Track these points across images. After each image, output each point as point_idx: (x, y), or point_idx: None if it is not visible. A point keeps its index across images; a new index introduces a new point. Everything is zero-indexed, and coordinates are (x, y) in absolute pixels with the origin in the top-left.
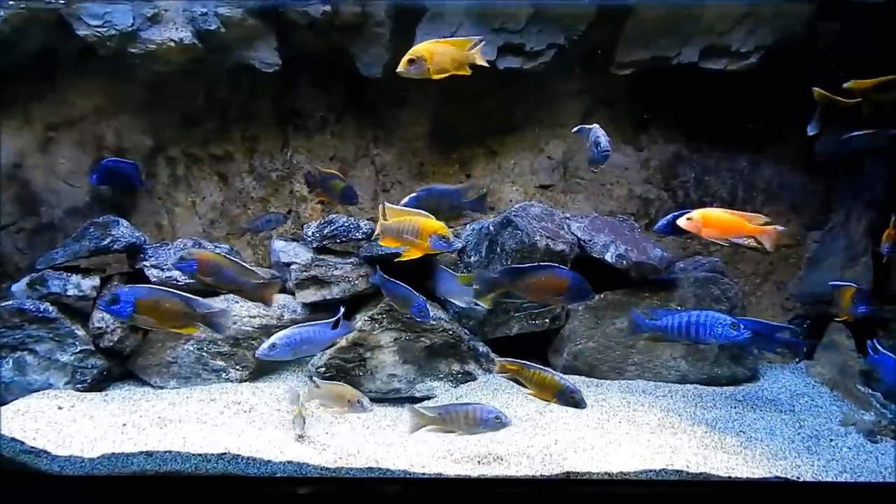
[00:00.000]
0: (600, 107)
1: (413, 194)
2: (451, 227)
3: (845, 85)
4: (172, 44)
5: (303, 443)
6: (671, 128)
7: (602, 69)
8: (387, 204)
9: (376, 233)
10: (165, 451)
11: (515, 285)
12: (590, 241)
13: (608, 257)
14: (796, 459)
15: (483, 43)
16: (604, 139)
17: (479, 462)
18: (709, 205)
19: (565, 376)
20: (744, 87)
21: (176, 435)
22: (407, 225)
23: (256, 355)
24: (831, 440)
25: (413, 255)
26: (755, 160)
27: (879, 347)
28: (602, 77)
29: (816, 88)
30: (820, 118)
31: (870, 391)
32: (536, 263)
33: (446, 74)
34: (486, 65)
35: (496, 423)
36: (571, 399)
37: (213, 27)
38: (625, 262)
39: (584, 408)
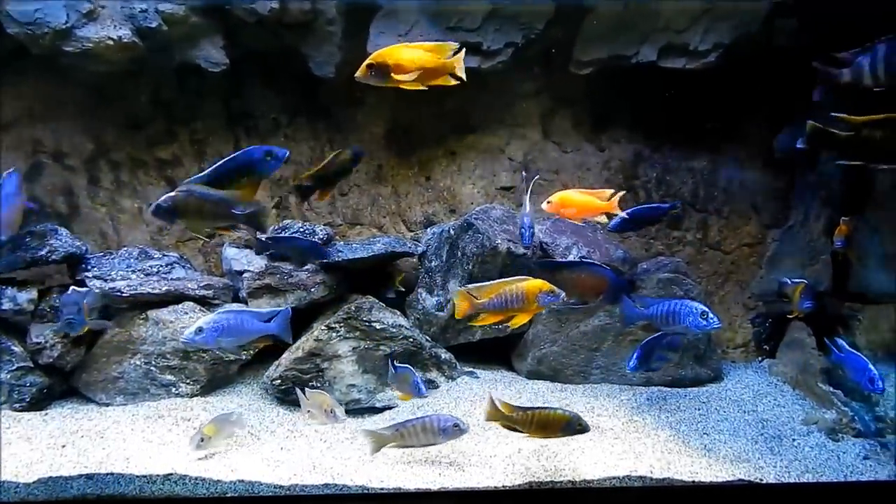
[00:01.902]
0: (559, 106)
1: (169, 194)
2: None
3: (836, 115)
4: (111, 42)
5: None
6: (632, 127)
7: (561, 68)
8: (469, 287)
9: (465, 313)
10: (107, 474)
11: (553, 279)
12: (552, 243)
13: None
14: (759, 461)
15: (463, 51)
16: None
17: (440, 474)
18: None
19: (564, 408)
20: (703, 86)
21: (119, 455)
22: (510, 295)
23: (182, 341)
24: (794, 440)
25: (522, 320)
26: (715, 159)
27: (841, 345)
28: (561, 76)
29: (810, 122)
30: (808, 142)
31: (831, 389)
32: (577, 260)
33: (417, 87)
34: (463, 78)
35: (455, 430)
36: (578, 427)
37: (153, 25)
38: None
39: (589, 430)
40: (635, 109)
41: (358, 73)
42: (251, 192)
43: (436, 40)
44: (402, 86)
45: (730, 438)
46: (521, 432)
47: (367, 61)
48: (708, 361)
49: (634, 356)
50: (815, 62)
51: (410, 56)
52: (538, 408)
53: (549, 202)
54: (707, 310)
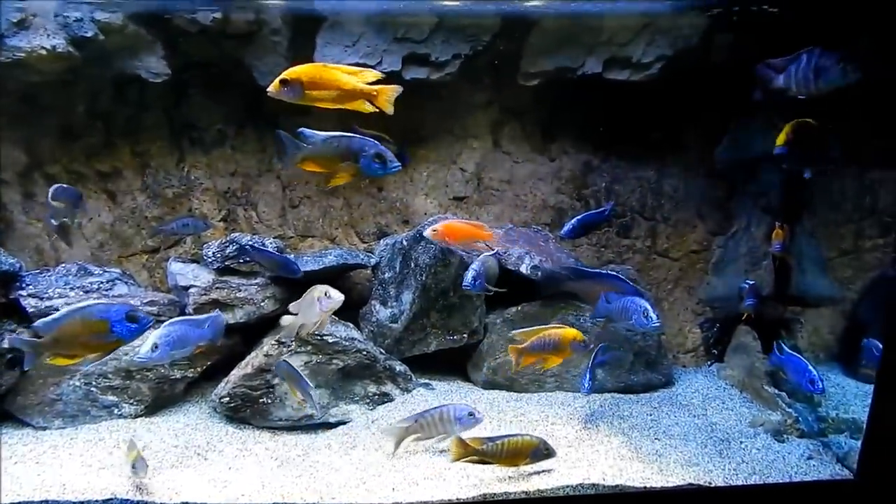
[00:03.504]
0: (508, 117)
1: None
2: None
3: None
4: (44, 52)
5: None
6: (580, 138)
7: (510, 80)
8: (514, 332)
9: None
10: (41, 501)
11: (577, 286)
12: (504, 253)
13: (523, 269)
14: (708, 464)
15: (399, 89)
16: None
17: (393, 489)
18: (621, 213)
19: (529, 434)
20: (648, 98)
21: (55, 481)
22: (548, 340)
23: (137, 361)
24: (741, 442)
25: (554, 363)
26: (661, 169)
27: (784, 347)
28: (510, 88)
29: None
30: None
31: (776, 392)
32: (604, 270)
33: (333, 106)
34: (389, 112)
35: (470, 419)
36: (545, 452)
37: (89, 34)
38: (539, 272)
39: (555, 455)
40: (583, 120)
41: (270, 89)
42: (342, 179)
43: (383, 51)
44: (316, 104)
45: (680, 443)
46: (491, 464)
47: (280, 77)
48: (659, 367)
49: (587, 379)
50: (755, 66)
51: (326, 76)
52: (505, 436)
53: (434, 230)
54: (649, 308)
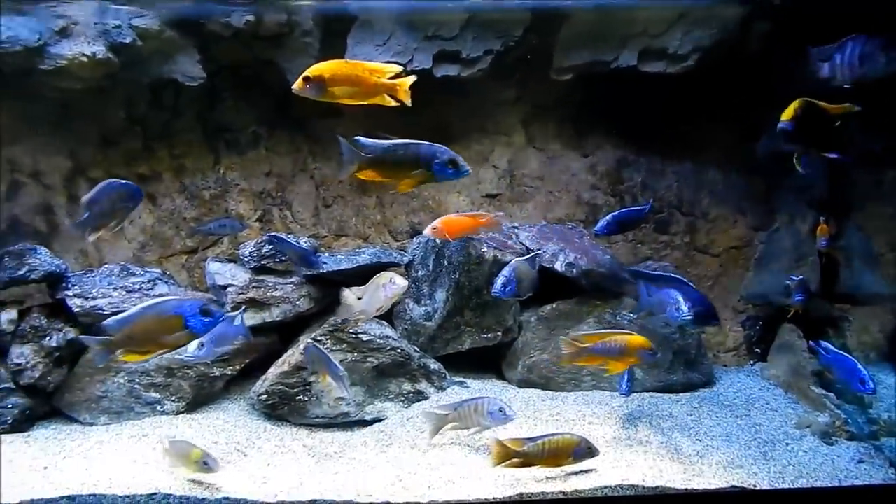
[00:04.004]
0: (540, 113)
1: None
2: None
3: None
4: (84, 58)
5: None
6: (614, 132)
7: (541, 75)
8: (575, 335)
9: (570, 359)
10: (89, 495)
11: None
12: (539, 250)
13: (557, 266)
14: (753, 466)
15: (413, 79)
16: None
17: (429, 487)
18: (658, 208)
19: (569, 433)
20: (684, 89)
21: (101, 476)
22: (612, 344)
23: (186, 358)
24: (787, 444)
25: (618, 369)
26: (700, 162)
27: (830, 347)
28: (542, 83)
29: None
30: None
31: (824, 392)
32: (668, 274)
33: (355, 102)
34: (408, 103)
35: (500, 414)
36: (588, 451)
37: (128, 40)
38: (574, 270)
39: (598, 454)
40: (617, 114)
41: (295, 86)
42: (410, 185)
43: (413, 49)
44: (339, 101)
45: (722, 444)
46: (534, 465)
47: (303, 74)
48: (699, 366)
49: (625, 380)
50: (800, 55)
51: (347, 72)
52: (545, 436)
53: (433, 227)
54: (681, 301)
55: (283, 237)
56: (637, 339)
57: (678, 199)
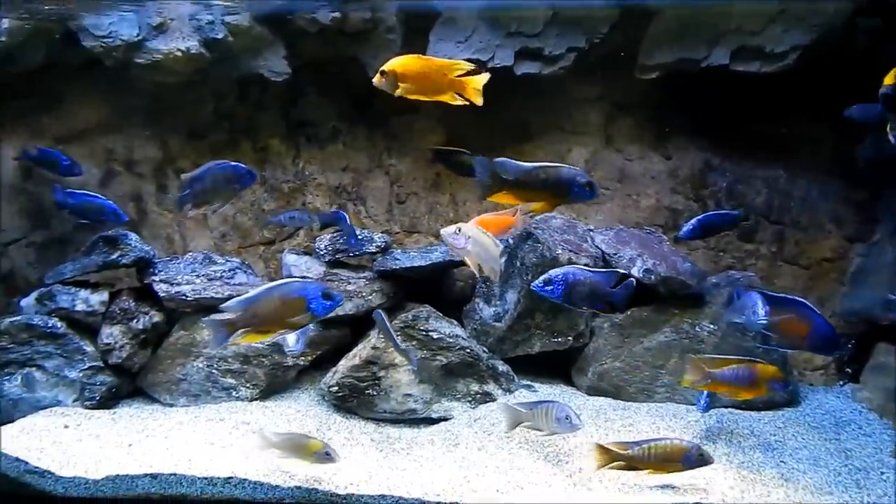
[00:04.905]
0: (621, 113)
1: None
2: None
3: None
4: (179, 53)
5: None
6: (700, 134)
7: (624, 73)
8: (702, 357)
9: (693, 382)
10: (171, 474)
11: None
12: (615, 254)
13: (635, 272)
14: (844, 494)
15: (486, 78)
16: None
17: (498, 490)
18: (744, 215)
19: (679, 438)
20: (777, 89)
21: (182, 456)
22: (741, 371)
23: (289, 351)
24: (882, 473)
25: (747, 396)
26: (792, 167)
27: None
28: (624, 81)
29: None
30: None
31: None
32: (787, 295)
33: (424, 98)
34: (478, 103)
35: (566, 423)
36: (700, 458)
37: (220, 36)
38: (653, 276)
39: (712, 462)
40: (704, 115)
41: (375, 79)
42: (546, 208)
43: (495, 46)
44: (408, 96)
45: (809, 468)
46: (640, 470)
47: (380, 68)
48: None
49: (704, 395)
50: None
51: (418, 67)
52: (651, 440)
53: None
54: (758, 304)
55: (344, 215)
56: (768, 369)
57: (766, 205)
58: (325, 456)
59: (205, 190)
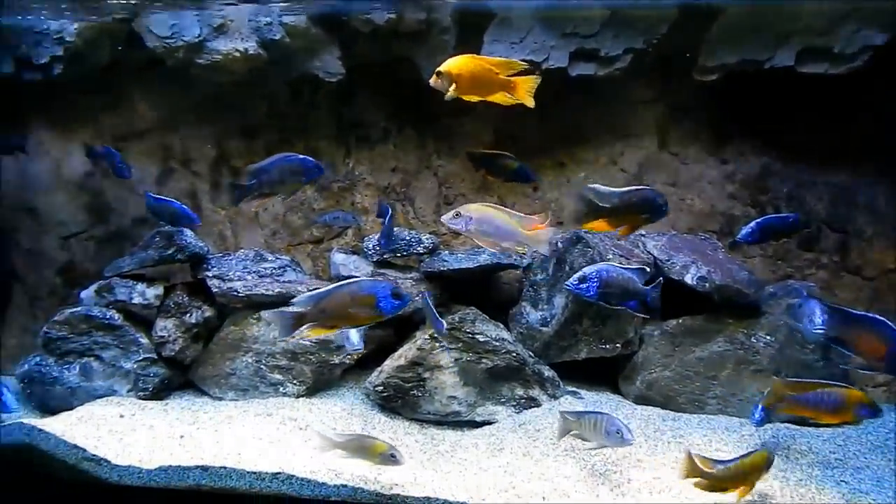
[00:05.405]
0: (677, 115)
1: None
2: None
3: None
4: (238, 54)
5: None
6: (759, 138)
7: (681, 75)
8: (786, 380)
9: (773, 403)
10: (220, 467)
11: (836, 328)
12: (667, 260)
13: (688, 279)
14: None
15: (537, 79)
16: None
17: (544, 498)
18: (804, 222)
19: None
20: (844, 92)
21: (231, 450)
22: (826, 396)
23: (350, 351)
24: None
25: (830, 421)
26: (858, 174)
27: None
28: (680, 83)
29: None
30: None
31: None
32: (866, 313)
33: (475, 98)
34: (529, 104)
35: (617, 437)
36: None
37: (277, 36)
38: (707, 284)
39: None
40: (763, 118)
41: (431, 80)
42: (632, 231)
43: (550, 47)
44: (461, 96)
45: (873, 489)
46: (727, 490)
47: (436, 69)
48: None
49: (759, 408)
50: None
51: (471, 67)
52: (737, 458)
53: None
54: (816, 312)
55: (389, 209)
56: (855, 394)
57: (828, 212)
58: (391, 458)
59: (271, 181)
